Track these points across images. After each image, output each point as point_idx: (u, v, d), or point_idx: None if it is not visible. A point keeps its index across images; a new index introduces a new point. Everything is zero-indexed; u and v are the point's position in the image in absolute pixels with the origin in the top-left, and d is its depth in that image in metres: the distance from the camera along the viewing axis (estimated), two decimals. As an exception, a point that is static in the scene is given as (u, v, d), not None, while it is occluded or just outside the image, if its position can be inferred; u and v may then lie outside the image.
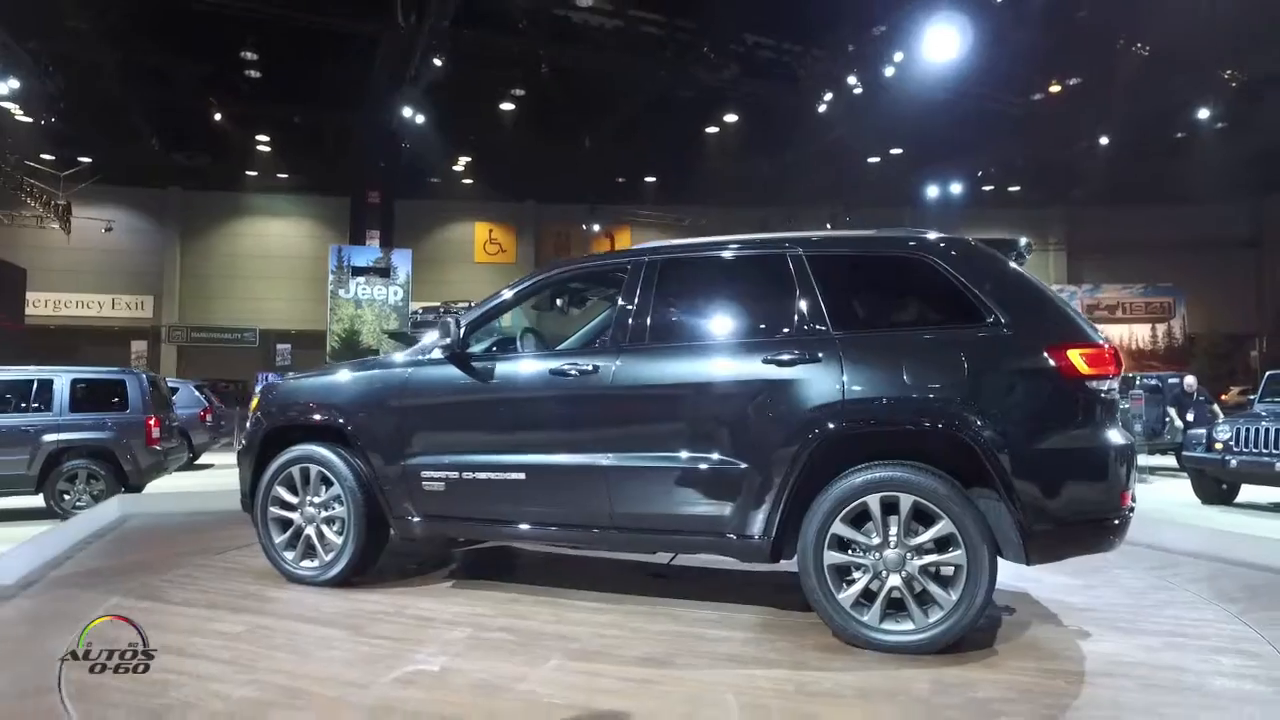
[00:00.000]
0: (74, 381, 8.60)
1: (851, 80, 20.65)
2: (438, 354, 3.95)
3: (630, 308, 3.70)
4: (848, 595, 3.18)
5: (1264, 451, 8.26)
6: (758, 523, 3.33)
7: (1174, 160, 24.61)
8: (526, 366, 3.95)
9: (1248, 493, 8.88)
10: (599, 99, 23.09)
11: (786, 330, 3.47)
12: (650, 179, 31.30)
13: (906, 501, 3.12)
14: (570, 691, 2.79)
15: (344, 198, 28.89)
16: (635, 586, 4.11)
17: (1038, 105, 22.61)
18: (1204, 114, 21.05)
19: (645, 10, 19.44)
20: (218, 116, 24.09)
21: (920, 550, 3.13)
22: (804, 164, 26.55)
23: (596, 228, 32.45)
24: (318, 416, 4.18)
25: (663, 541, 3.80)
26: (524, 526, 3.86)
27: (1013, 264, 3.45)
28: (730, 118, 25.00)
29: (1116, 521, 3.16)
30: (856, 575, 3.20)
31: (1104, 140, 23.58)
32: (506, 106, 24.38)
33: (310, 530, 4.12)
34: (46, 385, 8.50)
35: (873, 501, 3.16)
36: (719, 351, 3.58)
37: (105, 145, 24.93)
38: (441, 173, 30.00)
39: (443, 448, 3.89)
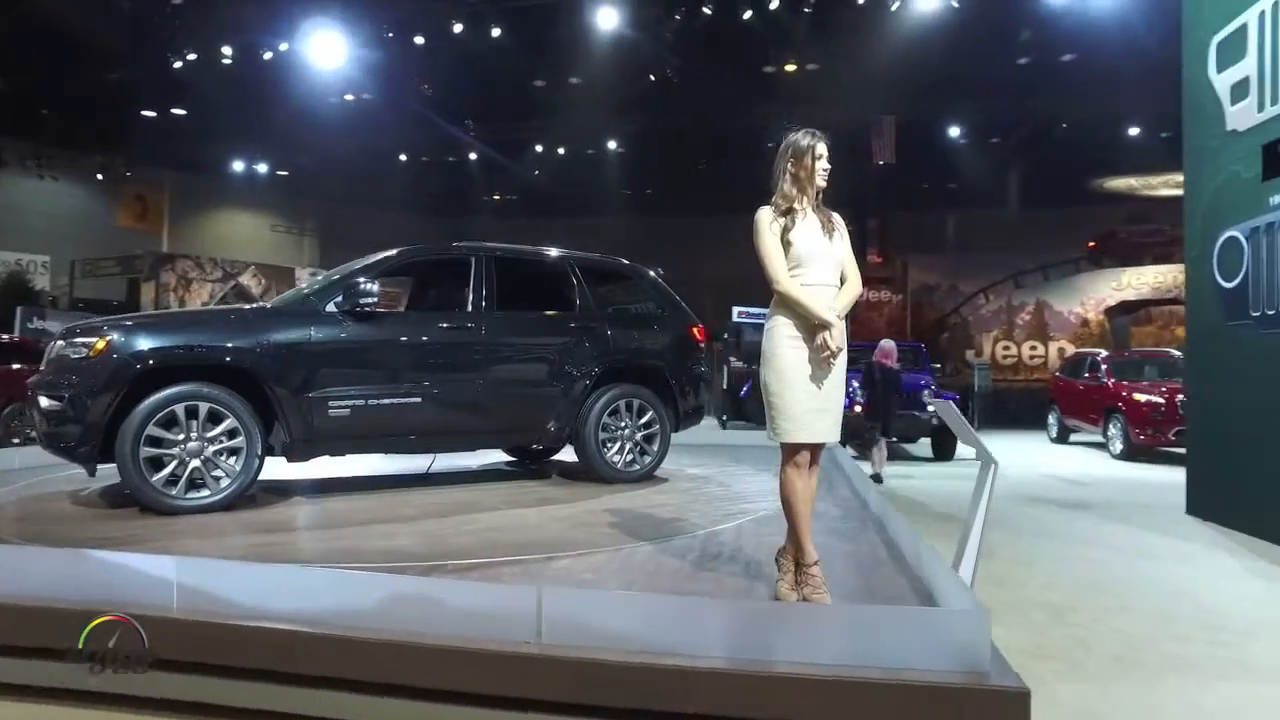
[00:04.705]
0: None
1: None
2: (333, 308, 4.93)
3: (483, 288, 5.56)
4: (612, 454, 5.85)
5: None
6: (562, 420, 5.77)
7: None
8: (419, 320, 5.53)
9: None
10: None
11: (568, 307, 5.95)
12: None
13: (635, 402, 5.97)
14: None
15: None
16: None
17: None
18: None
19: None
20: None
21: (638, 426, 5.98)
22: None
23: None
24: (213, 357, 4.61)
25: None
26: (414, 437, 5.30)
27: (663, 283, 6.60)
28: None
29: (702, 408, 6.58)
30: (605, 438, 5.81)
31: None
32: None
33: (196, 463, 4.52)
34: None
35: (621, 401, 5.91)
36: (538, 319, 5.88)
37: None
38: None
39: (348, 381, 4.94)
